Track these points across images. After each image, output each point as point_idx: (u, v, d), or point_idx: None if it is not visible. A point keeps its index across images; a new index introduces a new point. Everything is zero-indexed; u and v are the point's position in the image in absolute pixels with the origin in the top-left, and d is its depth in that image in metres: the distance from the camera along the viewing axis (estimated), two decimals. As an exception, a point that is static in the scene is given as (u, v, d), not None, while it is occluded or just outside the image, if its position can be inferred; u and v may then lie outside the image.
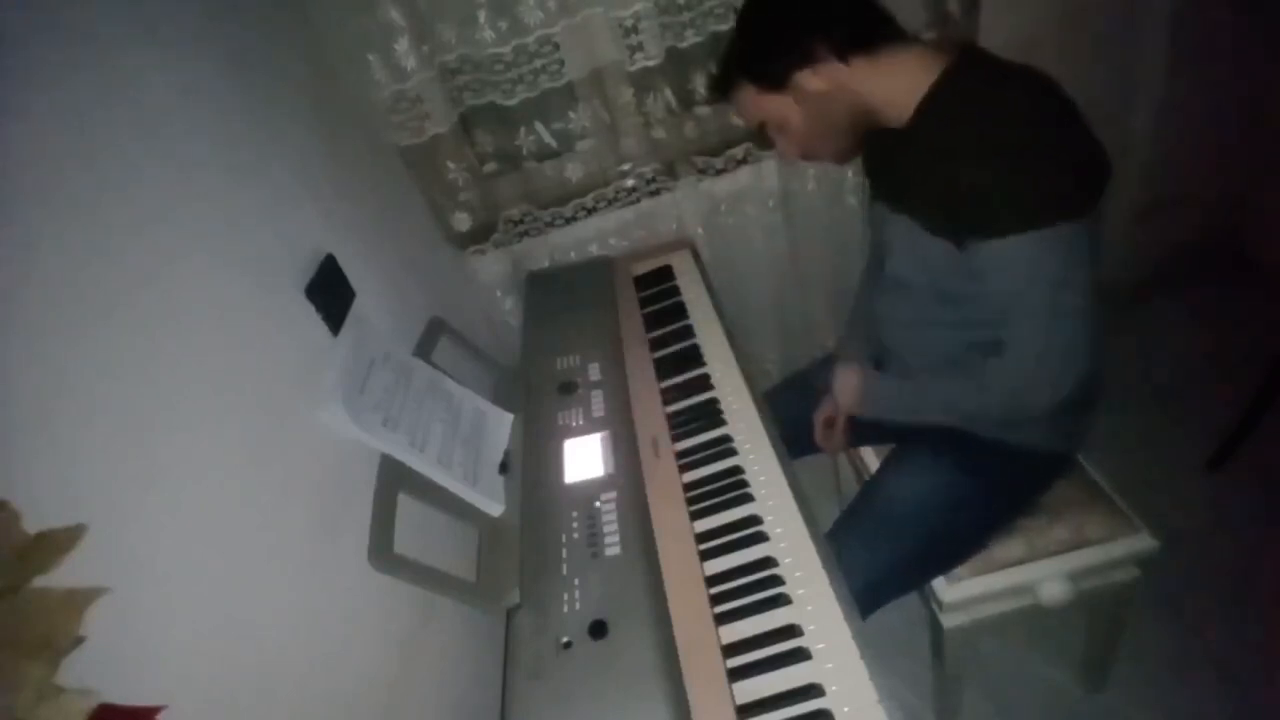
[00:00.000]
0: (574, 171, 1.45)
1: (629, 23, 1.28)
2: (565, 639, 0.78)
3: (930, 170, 0.85)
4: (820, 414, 1.19)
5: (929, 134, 0.85)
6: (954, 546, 1.02)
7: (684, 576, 0.84)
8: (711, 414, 1.06)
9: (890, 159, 0.96)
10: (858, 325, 1.19)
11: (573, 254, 1.53)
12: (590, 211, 1.49)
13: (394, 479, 0.84)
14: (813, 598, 0.81)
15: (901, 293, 1.00)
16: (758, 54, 0.92)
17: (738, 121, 1.44)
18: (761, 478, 0.95)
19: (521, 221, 1.47)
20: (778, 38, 0.90)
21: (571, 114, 1.39)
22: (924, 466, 1.01)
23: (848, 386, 1.08)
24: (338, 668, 0.73)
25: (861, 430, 1.19)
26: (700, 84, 1.41)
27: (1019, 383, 0.86)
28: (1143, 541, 1.01)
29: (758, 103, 0.94)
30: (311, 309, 0.83)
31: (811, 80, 0.88)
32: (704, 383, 1.12)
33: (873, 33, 0.88)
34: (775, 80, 0.91)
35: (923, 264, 0.93)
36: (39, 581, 0.43)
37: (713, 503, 0.95)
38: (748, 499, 0.93)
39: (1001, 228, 0.78)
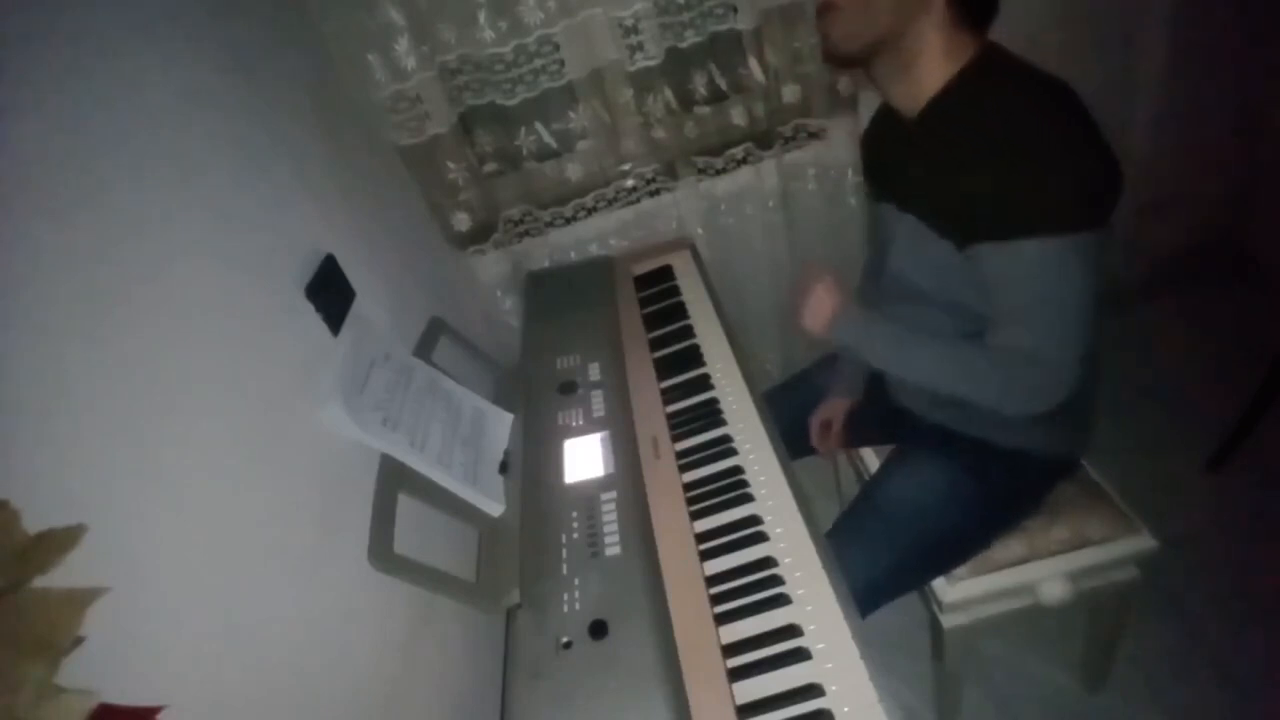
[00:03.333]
0: (574, 171, 1.45)
1: (629, 23, 1.28)
2: (565, 639, 0.78)
3: (939, 168, 0.84)
4: (817, 416, 1.19)
5: (941, 130, 0.84)
6: (954, 548, 1.02)
7: (684, 576, 0.84)
8: (711, 414, 1.06)
9: (899, 154, 0.94)
10: (851, 372, 1.18)
11: (573, 254, 1.53)
12: (590, 211, 1.49)
13: (394, 479, 0.84)
14: (813, 598, 0.81)
15: (902, 296, 0.99)
16: None
17: (738, 122, 1.45)
18: (761, 478, 0.95)
19: (521, 221, 1.47)
20: None
21: (571, 114, 1.40)
22: (925, 467, 1.00)
23: (822, 305, 1.00)
24: (338, 667, 0.73)
25: (861, 431, 1.19)
26: (700, 84, 1.41)
27: (1011, 381, 0.85)
28: (1143, 541, 1.01)
29: None
30: (311, 309, 0.83)
31: None
32: (704, 383, 1.12)
33: (988, 11, 0.82)
34: None
35: (925, 266, 0.92)
36: (39, 581, 0.43)
37: (713, 503, 0.94)
38: (748, 499, 0.93)
39: (1012, 231, 0.77)
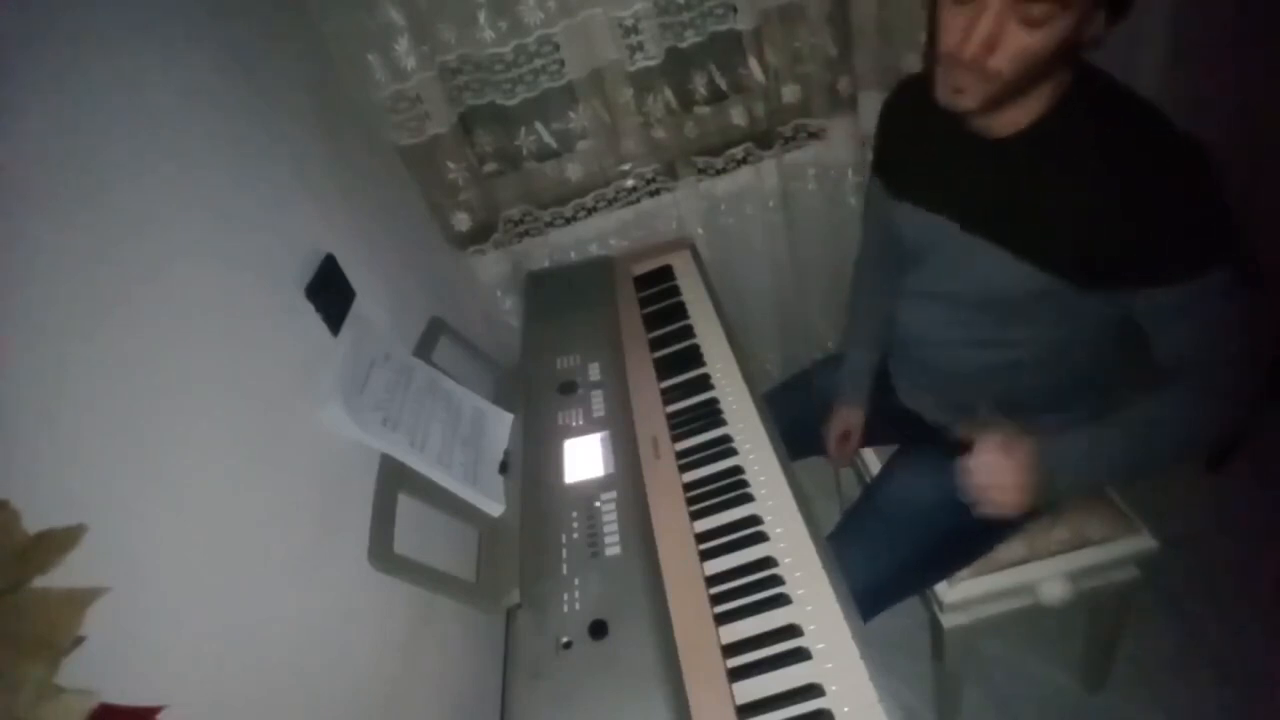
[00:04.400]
0: (574, 171, 1.45)
1: (629, 23, 1.28)
2: (565, 639, 0.78)
3: (1054, 202, 0.77)
4: (834, 428, 1.16)
5: (1048, 157, 0.77)
6: (956, 550, 1.01)
7: (684, 576, 0.84)
8: (711, 414, 1.06)
9: (964, 168, 0.86)
10: (862, 330, 1.17)
11: (573, 254, 1.53)
12: (590, 211, 1.49)
13: (394, 479, 0.84)
14: (813, 598, 0.81)
15: (942, 307, 0.95)
16: None
17: (738, 122, 1.44)
18: (761, 478, 0.95)
19: (521, 221, 1.47)
20: None
21: (571, 114, 1.40)
22: (928, 469, 0.99)
23: (1014, 464, 0.81)
24: (337, 667, 0.73)
25: (865, 432, 1.18)
26: (700, 84, 1.41)
27: (1215, 394, 0.79)
28: (1143, 541, 1.01)
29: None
30: (311, 309, 0.83)
31: (1090, 22, 0.73)
32: (704, 383, 1.12)
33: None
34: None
35: (967, 276, 0.88)
36: (39, 581, 0.43)
37: (713, 503, 0.95)
38: (748, 499, 0.93)
39: (1196, 268, 0.73)
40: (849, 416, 1.16)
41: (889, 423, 1.11)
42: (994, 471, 0.82)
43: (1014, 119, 0.79)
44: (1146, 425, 0.82)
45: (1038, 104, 0.78)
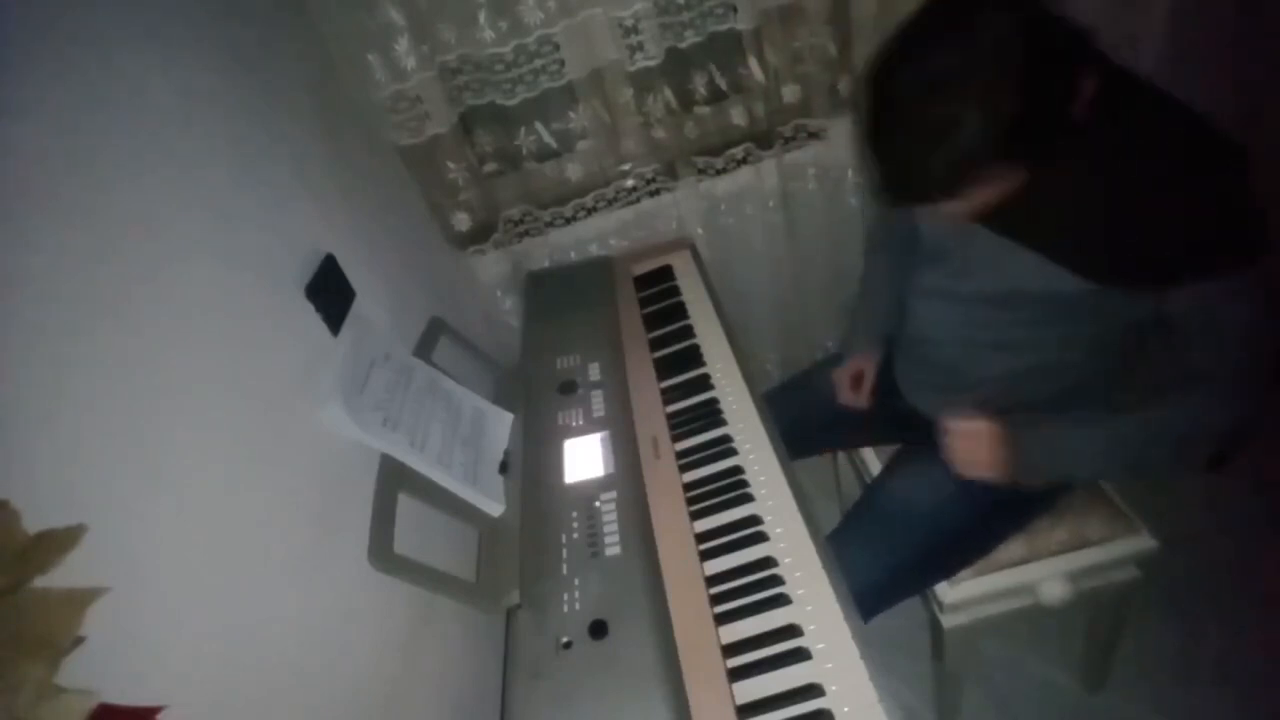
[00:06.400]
0: (574, 171, 1.45)
1: (629, 23, 1.28)
2: (565, 639, 0.78)
3: (1084, 205, 0.77)
4: (846, 371, 1.15)
5: (1091, 160, 0.75)
6: (958, 551, 1.01)
7: (684, 576, 0.84)
8: (711, 414, 1.06)
9: None
10: (869, 325, 1.17)
11: (573, 254, 1.53)
12: (590, 211, 1.49)
13: (394, 479, 0.84)
14: (813, 598, 0.81)
15: (958, 307, 0.93)
16: (1037, 118, 0.68)
17: (738, 122, 1.44)
18: (761, 478, 0.95)
19: (521, 221, 1.47)
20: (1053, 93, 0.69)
21: (571, 114, 1.40)
22: (929, 469, 0.98)
23: (980, 447, 0.89)
24: (337, 667, 0.73)
25: (867, 431, 1.18)
26: (700, 84, 1.41)
27: (1245, 399, 0.81)
28: (1143, 542, 1.01)
29: (999, 178, 0.73)
30: (311, 309, 0.83)
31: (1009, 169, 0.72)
32: (704, 383, 1.12)
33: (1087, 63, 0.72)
34: (1043, 152, 0.71)
35: (1013, 286, 0.86)
36: (39, 581, 0.43)
37: (713, 503, 0.95)
38: (748, 499, 0.93)
39: (1210, 270, 0.72)
40: (861, 361, 1.14)
41: (890, 422, 1.11)
42: (967, 451, 0.91)
43: None
44: (1137, 430, 0.84)
45: None
